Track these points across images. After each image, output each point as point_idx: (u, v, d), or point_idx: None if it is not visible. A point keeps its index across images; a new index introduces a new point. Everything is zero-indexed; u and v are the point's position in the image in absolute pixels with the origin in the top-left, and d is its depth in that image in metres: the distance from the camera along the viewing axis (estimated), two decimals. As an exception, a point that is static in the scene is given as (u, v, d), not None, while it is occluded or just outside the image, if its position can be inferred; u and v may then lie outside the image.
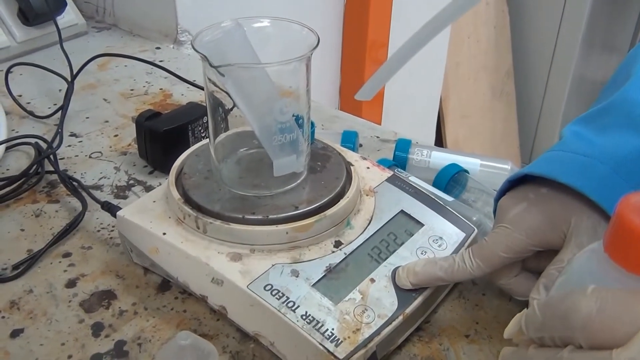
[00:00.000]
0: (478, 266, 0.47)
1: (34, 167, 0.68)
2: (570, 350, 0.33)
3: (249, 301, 0.47)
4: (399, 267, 0.49)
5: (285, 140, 0.50)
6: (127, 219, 0.53)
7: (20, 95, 0.84)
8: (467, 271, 0.47)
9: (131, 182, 0.68)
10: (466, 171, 0.65)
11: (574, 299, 0.33)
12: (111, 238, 0.60)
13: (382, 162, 0.64)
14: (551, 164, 0.47)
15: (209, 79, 0.50)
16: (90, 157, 0.73)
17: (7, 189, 0.65)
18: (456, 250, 0.52)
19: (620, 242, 0.33)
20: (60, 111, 0.78)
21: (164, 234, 0.51)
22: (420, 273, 0.48)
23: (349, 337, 0.44)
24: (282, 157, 0.51)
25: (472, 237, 0.54)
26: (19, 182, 0.66)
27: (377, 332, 0.45)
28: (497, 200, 0.50)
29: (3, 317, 0.52)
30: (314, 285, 0.47)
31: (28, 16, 0.94)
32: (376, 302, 0.47)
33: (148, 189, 0.67)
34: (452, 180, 0.63)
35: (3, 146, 0.72)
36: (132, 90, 0.88)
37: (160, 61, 0.94)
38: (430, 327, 0.51)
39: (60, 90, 0.86)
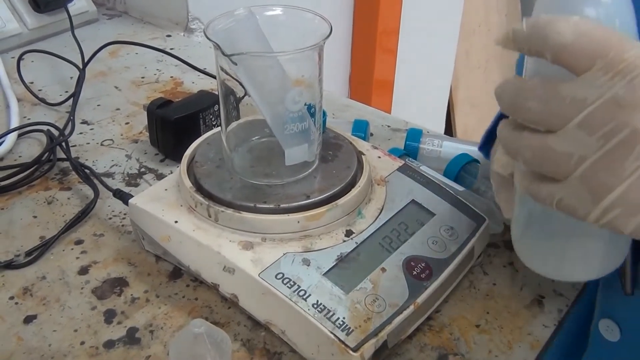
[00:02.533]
0: None
1: (46, 154, 0.68)
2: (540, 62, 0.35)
3: (260, 289, 0.47)
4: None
5: (297, 129, 0.50)
6: (139, 206, 0.54)
7: (32, 82, 0.84)
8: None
9: (142, 170, 0.69)
10: (477, 161, 0.64)
11: (558, 25, 0.34)
12: (123, 226, 0.60)
13: (393, 152, 0.63)
14: None
15: (221, 67, 0.50)
16: (101, 144, 0.73)
17: (20, 176, 0.65)
18: (466, 241, 0.52)
19: None
20: (71, 98, 0.79)
21: (176, 222, 0.51)
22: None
23: (360, 326, 0.44)
24: (294, 146, 0.51)
25: (483, 227, 0.54)
26: (31, 170, 0.66)
27: (388, 322, 0.45)
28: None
29: (16, 303, 0.52)
30: (325, 274, 0.47)
31: (39, 3, 0.94)
32: (387, 291, 0.47)
33: (159, 177, 0.67)
34: (463, 170, 0.63)
35: (15, 133, 0.72)
36: (143, 78, 0.88)
37: (171, 49, 0.94)
38: (441, 317, 0.51)
39: (71, 77, 0.86)
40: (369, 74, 1.49)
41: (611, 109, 0.32)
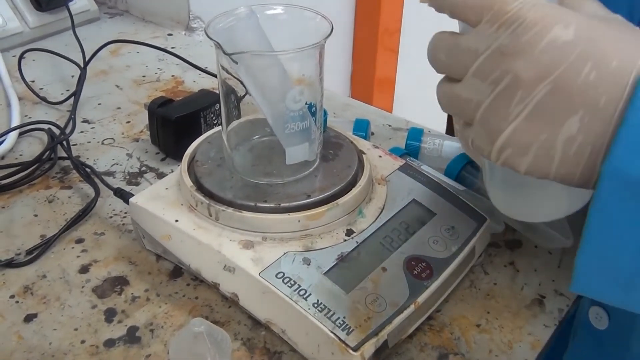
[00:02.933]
0: None
1: (47, 153, 0.68)
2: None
3: (260, 289, 0.47)
4: None
5: (297, 129, 0.50)
6: (139, 205, 0.53)
7: (33, 81, 0.84)
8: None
9: (143, 168, 0.69)
10: (478, 160, 0.64)
11: None
12: (123, 224, 0.60)
13: (394, 151, 0.63)
14: None
15: (222, 66, 0.50)
16: (102, 143, 0.73)
17: (21, 174, 0.65)
18: (467, 241, 0.52)
19: None
20: (72, 97, 0.79)
21: (176, 221, 0.51)
22: None
23: (360, 326, 0.44)
24: (295, 145, 0.51)
25: (484, 226, 0.54)
26: (32, 168, 0.66)
27: (389, 321, 0.45)
28: None
29: (17, 301, 0.52)
30: (325, 273, 0.47)
31: (41, 2, 0.94)
32: (388, 290, 0.47)
33: (160, 175, 0.67)
34: (464, 169, 0.63)
35: (16, 132, 0.72)
36: (144, 76, 0.88)
37: (172, 48, 0.94)
38: (441, 316, 0.51)
39: (72, 76, 0.86)
40: (370, 73, 1.49)
41: (497, 57, 0.34)
